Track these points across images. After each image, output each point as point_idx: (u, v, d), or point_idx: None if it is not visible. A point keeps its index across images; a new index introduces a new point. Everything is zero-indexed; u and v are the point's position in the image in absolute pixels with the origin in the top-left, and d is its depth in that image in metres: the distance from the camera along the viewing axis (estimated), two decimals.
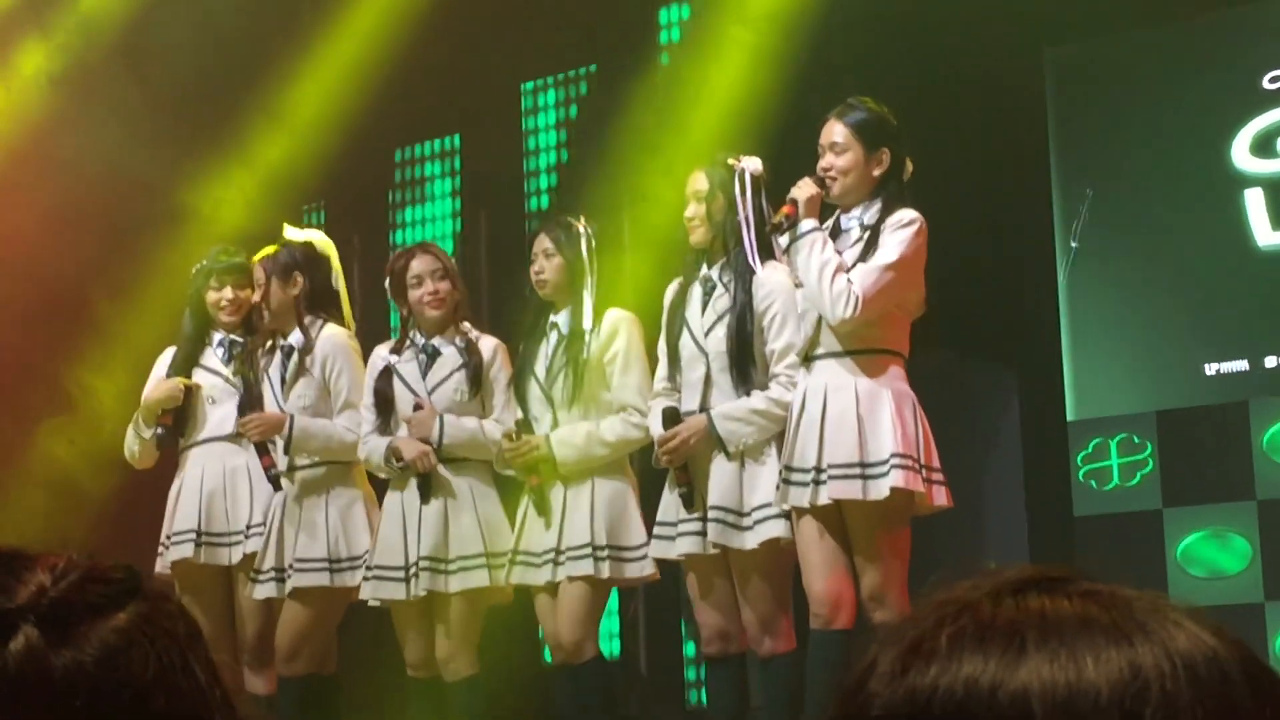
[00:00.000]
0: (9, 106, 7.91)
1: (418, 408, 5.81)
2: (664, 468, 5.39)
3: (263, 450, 6.01)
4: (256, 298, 6.13)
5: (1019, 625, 0.98)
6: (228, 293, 6.27)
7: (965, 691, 0.97)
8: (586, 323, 5.63)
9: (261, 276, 6.09)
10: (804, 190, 5.05)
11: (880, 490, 4.88)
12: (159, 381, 6.28)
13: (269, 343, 6.15)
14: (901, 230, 4.99)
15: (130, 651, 1.23)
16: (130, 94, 7.89)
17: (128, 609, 1.26)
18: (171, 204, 7.94)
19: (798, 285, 5.13)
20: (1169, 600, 1.00)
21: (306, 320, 6.05)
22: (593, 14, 8.46)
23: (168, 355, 6.39)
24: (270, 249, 6.14)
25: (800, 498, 4.99)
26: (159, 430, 6.20)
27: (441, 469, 5.76)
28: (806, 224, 5.02)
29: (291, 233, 6.19)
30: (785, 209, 5.05)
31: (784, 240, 5.10)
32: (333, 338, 6.04)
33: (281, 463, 6.02)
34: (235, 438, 6.13)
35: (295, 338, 6.06)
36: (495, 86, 8.87)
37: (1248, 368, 7.01)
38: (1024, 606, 1.00)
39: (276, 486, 6.03)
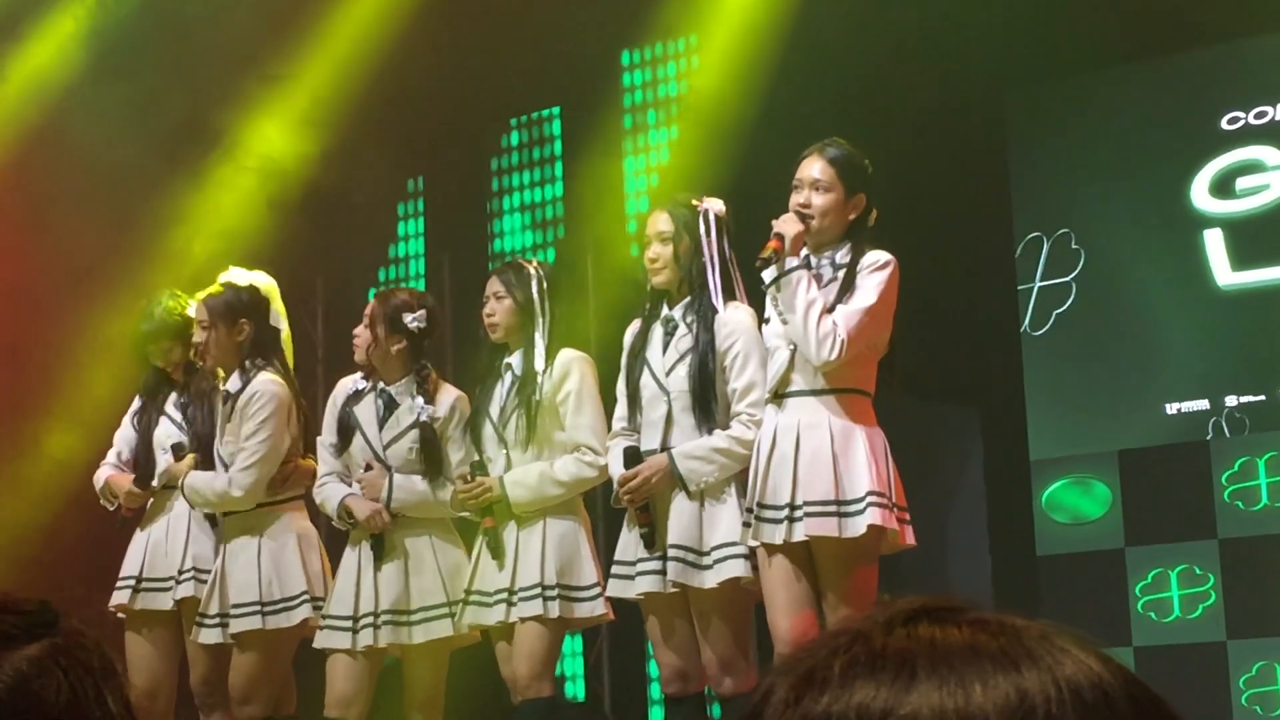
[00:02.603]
0: None
1: (369, 467, 5.83)
2: (624, 507, 5.39)
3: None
4: (199, 338, 6.00)
5: (909, 653, 0.99)
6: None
7: (857, 718, 0.98)
8: (538, 364, 5.62)
9: (206, 318, 5.98)
10: (790, 226, 4.97)
11: (856, 528, 4.85)
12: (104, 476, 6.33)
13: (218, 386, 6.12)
14: (878, 272, 4.97)
15: (42, 679, 1.26)
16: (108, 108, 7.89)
17: (41, 641, 1.29)
18: (133, 247, 7.93)
19: (766, 321, 5.11)
20: (1058, 628, 1.02)
21: (247, 364, 5.98)
22: (557, 56, 8.50)
23: (135, 404, 6.42)
24: (215, 288, 6.03)
25: (773, 535, 4.94)
26: (119, 521, 6.31)
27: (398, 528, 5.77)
28: (792, 261, 4.96)
29: (236, 274, 6.06)
30: (772, 244, 4.96)
31: (768, 275, 5.01)
32: (262, 384, 5.93)
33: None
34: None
35: (233, 382, 6.00)
36: (461, 127, 8.91)
37: (1208, 407, 7.05)
38: (915, 635, 1.01)
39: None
